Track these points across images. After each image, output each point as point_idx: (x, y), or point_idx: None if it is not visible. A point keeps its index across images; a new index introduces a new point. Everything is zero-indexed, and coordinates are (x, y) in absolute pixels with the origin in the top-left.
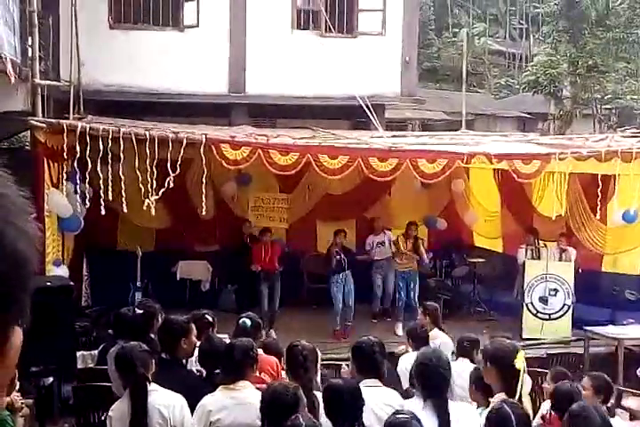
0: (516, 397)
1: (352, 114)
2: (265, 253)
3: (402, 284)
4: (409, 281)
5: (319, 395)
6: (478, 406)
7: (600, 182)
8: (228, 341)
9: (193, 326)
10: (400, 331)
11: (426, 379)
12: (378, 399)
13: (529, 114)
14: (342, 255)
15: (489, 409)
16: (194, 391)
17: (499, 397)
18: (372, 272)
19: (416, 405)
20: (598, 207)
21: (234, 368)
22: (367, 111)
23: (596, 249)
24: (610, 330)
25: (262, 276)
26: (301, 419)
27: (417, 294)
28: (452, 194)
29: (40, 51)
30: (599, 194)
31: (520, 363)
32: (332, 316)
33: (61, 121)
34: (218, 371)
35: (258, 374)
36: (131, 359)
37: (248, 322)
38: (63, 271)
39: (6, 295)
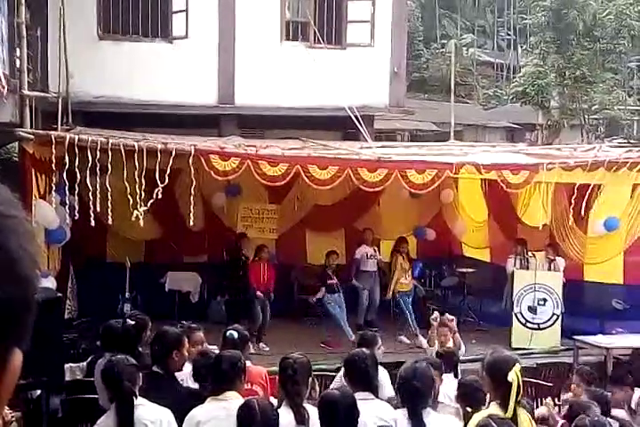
0: (509, 409)
1: (341, 125)
2: (263, 273)
3: (403, 303)
4: (408, 299)
5: (310, 407)
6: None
7: (584, 192)
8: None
9: (186, 339)
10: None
11: (404, 392)
12: (371, 413)
13: (517, 124)
14: (335, 279)
15: (474, 423)
16: (186, 405)
17: (491, 406)
18: (358, 283)
19: (401, 416)
20: (581, 217)
21: (221, 379)
22: (356, 122)
23: (577, 258)
24: (599, 339)
25: (257, 294)
26: None
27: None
28: (440, 204)
29: (28, 62)
30: (583, 203)
31: (513, 376)
32: (321, 329)
33: (49, 132)
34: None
35: (250, 386)
36: (117, 373)
37: (235, 334)
38: (51, 283)
39: (12, 318)
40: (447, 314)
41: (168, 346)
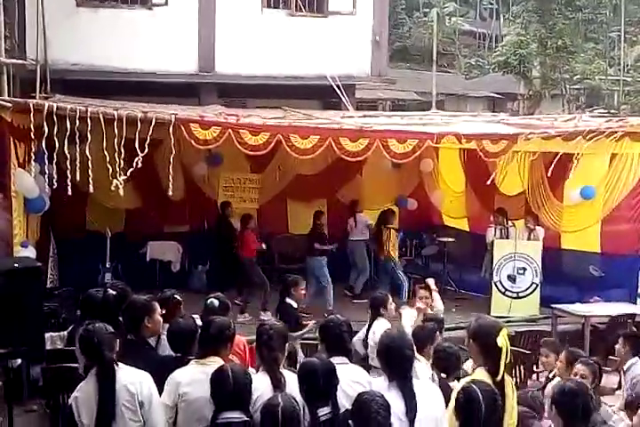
0: (500, 374)
1: (323, 94)
2: (254, 240)
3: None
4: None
5: (287, 373)
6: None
7: (561, 161)
8: (198, 321)
9: (156, 305)
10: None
11: (390, 360)
12: (346, 377)
13: (499, 94)
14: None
15: (457, 389)
16: (161, 370)
17: (478, 371)
18: (356, 252)
19: (383, 384)
20: (558, 186)
21: (207, 344)
22: (338, 91)
23: (554, 227)
24: (577, 308)
25: (255, 261)
26: (280, 398)
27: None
28: (421, 174)
29: (5, 29)
30: (560, 172)
31: (502, 340)
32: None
33: (28, 100)
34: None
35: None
36: (95, 341)
37: (216, 302)
38: (31, 252)
39: None
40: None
41: (138, 314)
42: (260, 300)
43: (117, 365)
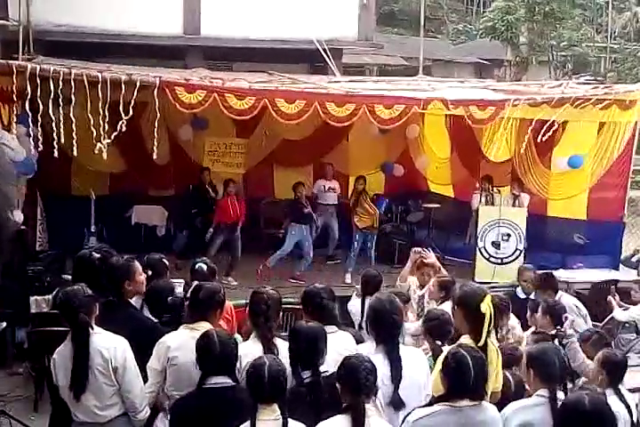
0: (482, 339)
1: (309, 58)
2: (232, 206)
3: (360, 239)
4: (368, 237)
5: (279, 341)
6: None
7: (549, 128)
8: (182, 285)
9: (137, 266)
10: (349, 280)
11: (378, 324)
12: (338, 345)
13: (486, 60)
14: (310, 208)
15: (444, 354)
16: (142, 331)
17: (464, 338)
18: (323, 216)
19: (369, 349)
20: (545, 153)
21: (197, 309)
22: (325, 55)
23: (541, 194)
24: (560, 274)
25: (222, 227)
26: (265, 358)
27: (373, 250)
28: (407, 140)
29: None
30: (548, 140)
31: (485, 307)
32: (287, 262)
33: (10, 62)
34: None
35: None
36: (71, 304)
37: (204, 267)
38: (18, 216)
39: None
40: (422, 249)
41: (119, 275)
42: (226, 264)
43: (93, 329)
